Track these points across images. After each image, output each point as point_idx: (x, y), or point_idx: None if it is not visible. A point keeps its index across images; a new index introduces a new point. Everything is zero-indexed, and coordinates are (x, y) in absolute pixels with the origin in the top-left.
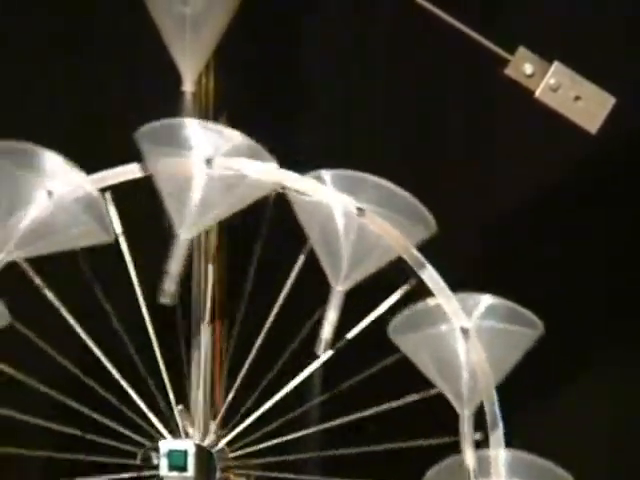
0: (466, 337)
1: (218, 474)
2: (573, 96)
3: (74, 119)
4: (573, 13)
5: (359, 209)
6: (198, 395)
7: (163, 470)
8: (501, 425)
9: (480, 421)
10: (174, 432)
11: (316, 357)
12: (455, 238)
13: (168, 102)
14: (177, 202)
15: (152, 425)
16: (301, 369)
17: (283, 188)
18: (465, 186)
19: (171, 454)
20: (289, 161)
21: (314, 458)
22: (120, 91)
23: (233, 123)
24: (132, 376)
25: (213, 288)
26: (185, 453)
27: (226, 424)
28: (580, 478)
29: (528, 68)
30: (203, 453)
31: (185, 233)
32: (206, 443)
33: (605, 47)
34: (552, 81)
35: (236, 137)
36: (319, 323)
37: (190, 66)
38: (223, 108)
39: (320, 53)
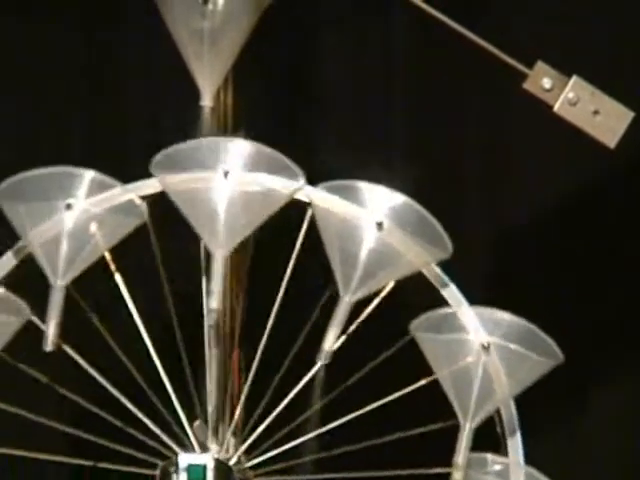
0: (486, 353)
1: None
2: (592, 110)
3: (93, 134)
4: (588, 29)
5: (379, 224)
6: (215, 410)
7: None
8: (519, 434)
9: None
10: (191, 447)
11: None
12: (468, 254)
13: (187, 116)
14: (204, 220)
15: (173, 438)
16: (303, 373)
17: (308, 202)
18: (479, 203)
19: (190, 468)
20: (306, 174)
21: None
22: (138, 106)
23: (251, 137)
24: (155, 391)
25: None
26: (204, 467)
27: (240, 435)
28: None
29: (547, 82)
30: (222, 466)
31: (219, 252)
32: (224, 456)
33: (623, 62)
34: (571, 95)
35: (266, 150)
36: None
37: (208, 81)
38: (241, 122)
39: (337, 68)
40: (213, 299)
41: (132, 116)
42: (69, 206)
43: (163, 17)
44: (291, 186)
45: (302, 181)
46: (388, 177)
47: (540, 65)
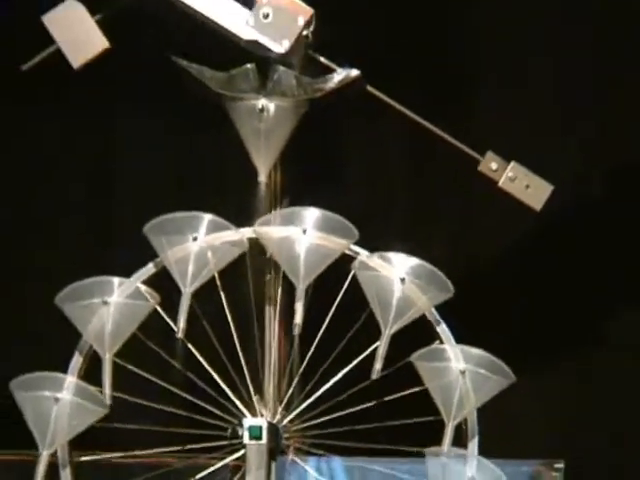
0: (462, 376)
1: (283, 442)
2: (525, 185)
3: (180, 202)
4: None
5: (402, 279)
6: (269, 387)
7: (245, 440)
8: (477, 435)
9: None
10: (253, 413)
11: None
12: None
13: (247, 188)
14: (288, 261)
15: (238, 408)
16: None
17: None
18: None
19: (251, 428)
20: None
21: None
22: (214, 182)
23: (293, 204)
24: (225, 376)
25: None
26: (260, 428)
27: (289, 407)
28: None
29: (494, 165)
30: (273, 427)
31: (301, 285)
32: (275, 420)
33: (546, 147)
34: (510, 174)
35: (329, 215)
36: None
37: (263, 164)
38: (286, 193)
39: (351, 156)
40: (297, 316)
41: (208, 189)
42: (195, 238)
43: (233, 121)
44: (347, 242)
45: (356, 236)
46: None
47: (489, 154)
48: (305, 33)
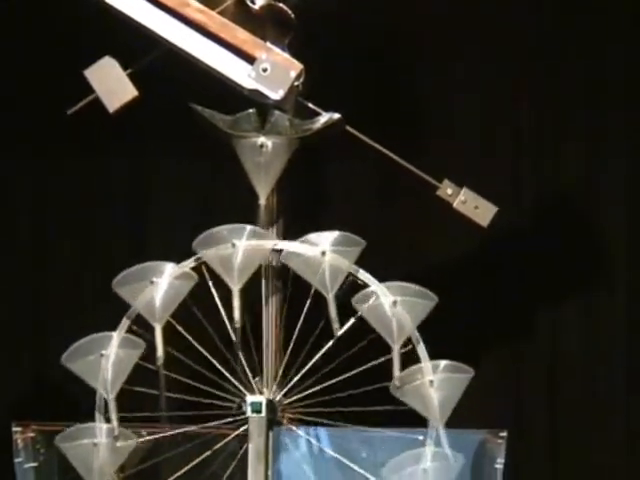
0: (431, 385)
1: (278, 414)
2: (474, 206)
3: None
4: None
5: (394, 302)
6: (268, 371)
7: (248, 413)
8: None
9: None
10: (254, 392)
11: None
12: None
13: (251, 209)
14: (309, 274)
15: (239, 390)
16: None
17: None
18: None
19: (253, 404)
20: None
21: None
22: (223, 203)
23: (288, 221)
24: (228, 365)
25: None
26: (260, 403)
27: (285, 387)
28: None
29: (449, 191)
30: (270, 403)
31: (329, 295)
32: (271, 397)
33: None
34: (462, 198)
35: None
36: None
37: (263, 189)
38: (281, 214)
39: (332, 182)
40: (335, 323)
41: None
42: (234, 245)
43: (239, 155)
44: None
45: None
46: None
47: (446, 182)
48: (296, 84)
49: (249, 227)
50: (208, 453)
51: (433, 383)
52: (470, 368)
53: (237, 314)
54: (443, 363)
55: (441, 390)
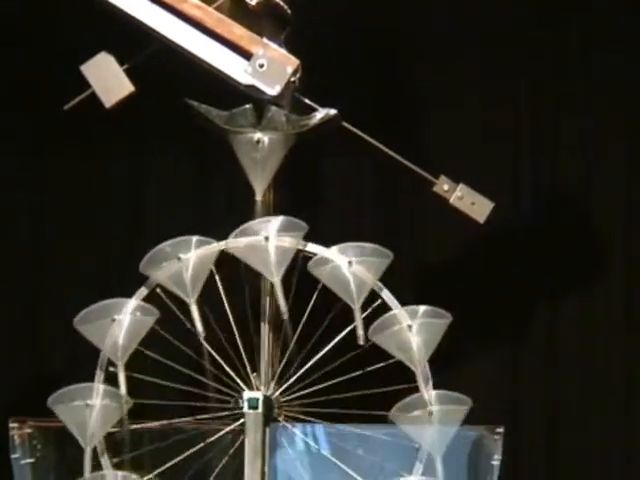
0: (410, 330)
1: (275, 411)
2: (470, 202)
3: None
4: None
5: (350, 262)
6: (264, 367)
7: (245, 409)
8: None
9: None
10: (252, 388)
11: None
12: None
13: (248, 205)
14: (258, 261)
15: (238, 384)
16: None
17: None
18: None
19: (249, 400)
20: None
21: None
22: (222, 202)
23: (284, 215)
24: (229, 361)
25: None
26: (257, 399)
27: (282, 384)
28: None
29: (445, 187)
30: (267, 399)
31: (274, 279)
32: (268, 394)
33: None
34: (459, 194)
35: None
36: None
37: (260, 185)
38: (277, 210)
39: (329, 178)
40: (282, 307)
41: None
42: (179, 259)
43: (235, 151)
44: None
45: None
46: None
47: (443, 177)
48: (293, 80)
49: (194, 238)
50: (201, 445)
51: (412, 328)
52: (448, 313)
53: (199, 326)
54: (422, 308)
55: (420, 335)
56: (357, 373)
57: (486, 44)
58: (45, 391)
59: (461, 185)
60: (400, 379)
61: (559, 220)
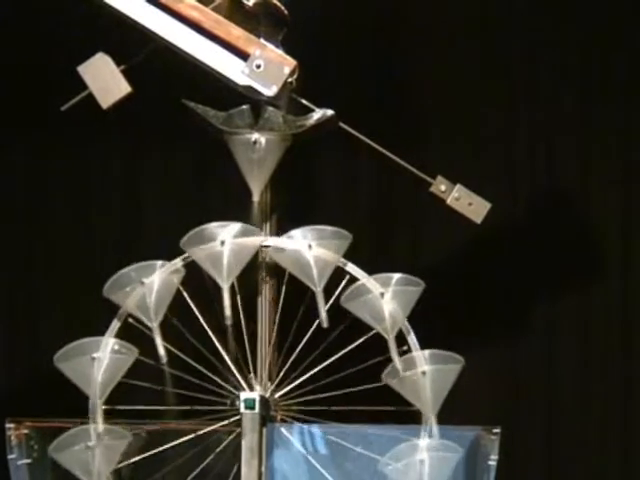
0: (424, 375)
1: (271, 412)
2: (467, 202)
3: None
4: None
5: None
6: (261, 369)
7: (242, 409)
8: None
9: None
10: (247, 389)
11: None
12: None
13: (244, 206)
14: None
15: (234, 384)
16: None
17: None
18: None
19: (246, 400)
20: None
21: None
22: (219, 203)
23: (281, 216)
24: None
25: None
26: (254, 400)
27: (279, 384)
28: None
29: (442, 187)
30: (263, 400)
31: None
32: (265, 394)
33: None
34: (456, 195)
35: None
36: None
37: (256, 186)
38: (274, 211)
39: (327, 178)
40: (323, 316)
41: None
42: (222, 242)
43: (232, 152)
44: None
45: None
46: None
47: (439, 178)
48: (290, 80)
49: (239, 224)
50: (199, 447)
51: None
52: (460, 357)
53: (227, 311)
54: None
55: (433, 381)
56: (353, 370)
57: (486, 44)
58: (42, 392)
59: (458, 186)
60: None
61: (556, 221)
